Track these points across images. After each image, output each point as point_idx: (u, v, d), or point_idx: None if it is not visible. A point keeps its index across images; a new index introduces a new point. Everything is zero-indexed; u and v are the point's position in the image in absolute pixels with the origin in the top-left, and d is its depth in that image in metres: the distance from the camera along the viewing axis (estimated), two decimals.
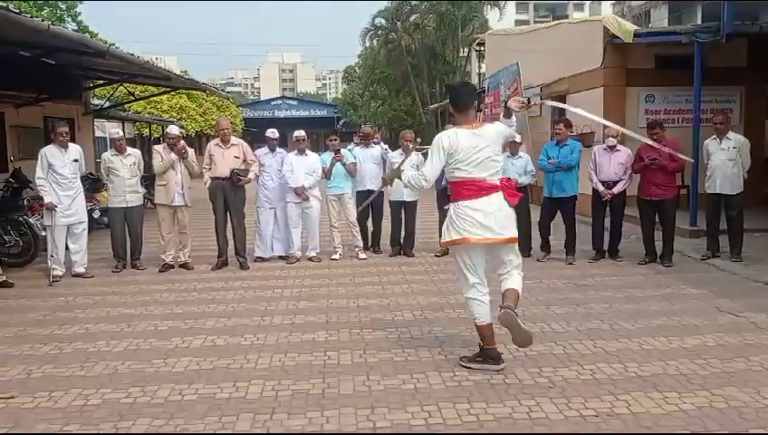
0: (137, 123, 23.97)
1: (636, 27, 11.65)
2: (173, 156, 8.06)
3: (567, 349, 4.89)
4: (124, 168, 8.18)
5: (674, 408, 3.81)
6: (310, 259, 8.62)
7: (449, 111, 4.70)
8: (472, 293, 4.54)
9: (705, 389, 4.07)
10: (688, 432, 3.52)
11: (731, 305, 6.02)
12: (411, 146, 8.32)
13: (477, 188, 4.42)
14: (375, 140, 9.46)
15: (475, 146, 4.41)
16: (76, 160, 7.83)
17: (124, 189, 8.20)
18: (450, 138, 4.47)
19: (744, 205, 8.10)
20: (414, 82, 32.21)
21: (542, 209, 8.51)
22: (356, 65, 48.35)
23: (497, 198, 4.45)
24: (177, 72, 18.29)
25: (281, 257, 8.72)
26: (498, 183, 4.48)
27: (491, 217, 4.39)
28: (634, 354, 4.75)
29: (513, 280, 4.54)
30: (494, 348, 4.52)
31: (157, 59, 42.07)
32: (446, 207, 4.72)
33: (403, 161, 5.61)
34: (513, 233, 4.52)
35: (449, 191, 4.68)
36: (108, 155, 8.39)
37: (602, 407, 3.85)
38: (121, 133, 8.96)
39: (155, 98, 23.10)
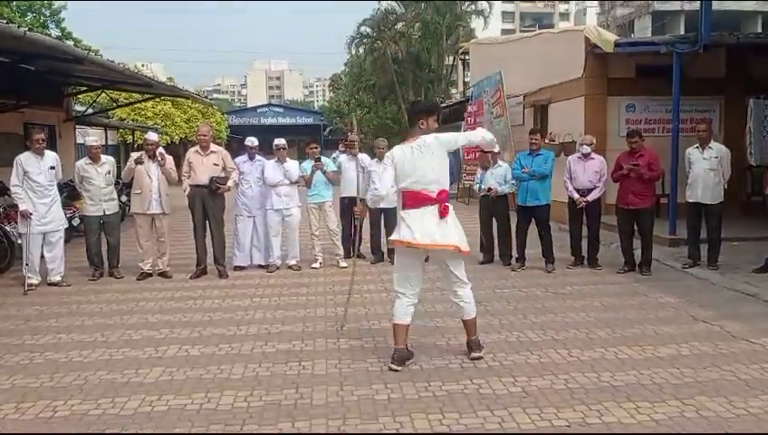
0: (120, 130, 23.85)
1: (616, 37, 11.75)
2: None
3: (542, 358, 4.89)
4: (99, 176, 8.09)
5: (645, 417, 3.81)
6: (290, 268, 8.57)
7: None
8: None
9: (677, 398, 4.08)
10: None
11: (706, 314, 6.06)
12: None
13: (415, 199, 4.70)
14: (354, 151, 9.33)
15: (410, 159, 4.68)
16: (52, 168, 7.72)
17: (100, 198, 8.12)
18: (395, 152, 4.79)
19: (722, 213, 8.16)
20: (399, 91, 32.29)
21: (517, 218, 8.54)
22: (342, 73, 48.42)
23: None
24: (163, 80, 18.25)
25: (260, 266, 8.67)
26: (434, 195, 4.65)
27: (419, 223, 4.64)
28: (608, 363, 4.76)
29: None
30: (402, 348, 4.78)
31: (143, 66, 41.94)
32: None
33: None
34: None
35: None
36: (82, 163, 8.26)
37: (574, 417, 3.85)
38: (98, 141, 8.86)
39: (139, 105, 23.03)
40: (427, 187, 4.63)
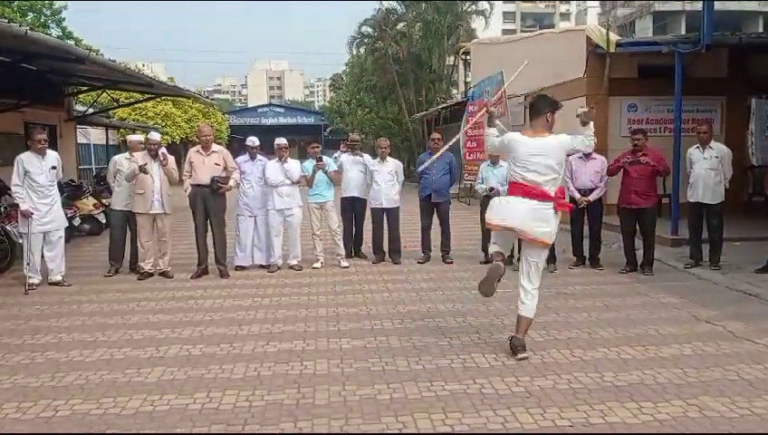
0: (120, 130, 23.84)
1: (618, 37, 11.74)
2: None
3: (545, 358, 4.87)
4: None
5: (648, 417, 3.80)
6: (291, 268, 8.55)
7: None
8: None
9: (680, 398, 4.07)
10: None
11: (709, 314, 6.04)
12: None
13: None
14: (357, 152, 9.31)
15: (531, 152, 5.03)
16: (54, 168, 7.70)
17: (129, 193, 8.16)
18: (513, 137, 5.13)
19: (724, 213, 8.15)
20: (400, 91, 32.25)
21: None
22: (343, 73, 48.39)
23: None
24: (164, 79, 18.25)
25: (261, 266, 8.65)
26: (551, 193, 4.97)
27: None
28: (611, 363, 4.74)
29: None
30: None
31: (144, 65, 41.94)
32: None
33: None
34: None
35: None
36: (120, 158, 8.38)
37: (578, 417, 3.83)
38: (141, 138, 8.83)
39: (140, 105, 23.02)
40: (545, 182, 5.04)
